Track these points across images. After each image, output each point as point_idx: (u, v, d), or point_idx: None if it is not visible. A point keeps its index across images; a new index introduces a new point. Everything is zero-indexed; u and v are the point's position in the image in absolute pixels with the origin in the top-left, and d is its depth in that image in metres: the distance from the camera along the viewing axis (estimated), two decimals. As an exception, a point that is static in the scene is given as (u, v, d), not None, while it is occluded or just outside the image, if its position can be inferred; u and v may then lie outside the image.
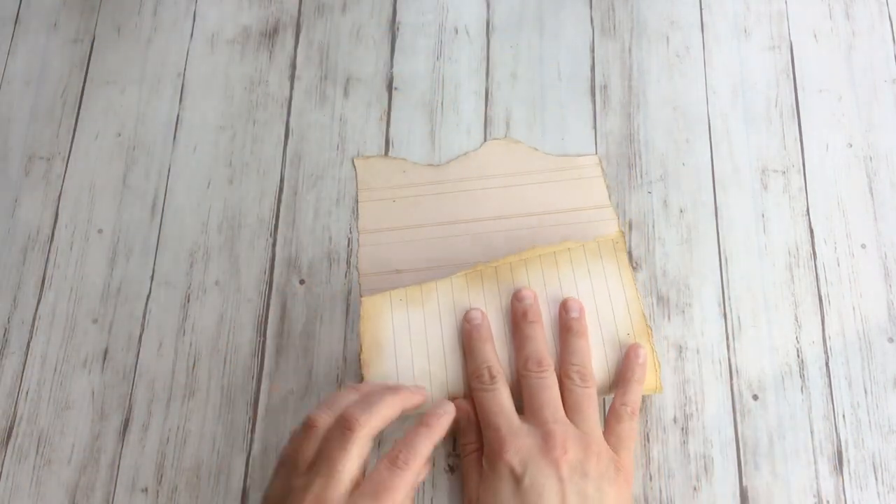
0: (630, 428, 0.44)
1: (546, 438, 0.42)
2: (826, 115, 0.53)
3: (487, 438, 0.43)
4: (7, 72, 0.57)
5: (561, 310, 0.47)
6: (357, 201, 0.52)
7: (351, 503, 0.37)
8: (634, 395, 0.44)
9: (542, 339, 0.46)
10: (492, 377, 0.44)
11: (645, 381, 0.45)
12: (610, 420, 0.44)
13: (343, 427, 0.39)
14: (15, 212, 0.53)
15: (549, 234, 0.50)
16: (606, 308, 0.47)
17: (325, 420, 0.40)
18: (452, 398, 0.45)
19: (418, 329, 0.47)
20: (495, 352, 0.46)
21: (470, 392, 0.45)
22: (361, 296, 0.49)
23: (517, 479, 0.41)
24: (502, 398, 0.44)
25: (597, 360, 0.46)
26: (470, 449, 0.44)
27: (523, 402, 0.44)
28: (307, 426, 0.40)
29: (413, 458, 0.39)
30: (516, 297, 0.47)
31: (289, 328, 0.49)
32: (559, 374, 0.45)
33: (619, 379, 0.45)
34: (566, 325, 0.46)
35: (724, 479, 0.45)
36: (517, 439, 0.42)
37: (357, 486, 0.38)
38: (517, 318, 0.46)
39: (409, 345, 0.46)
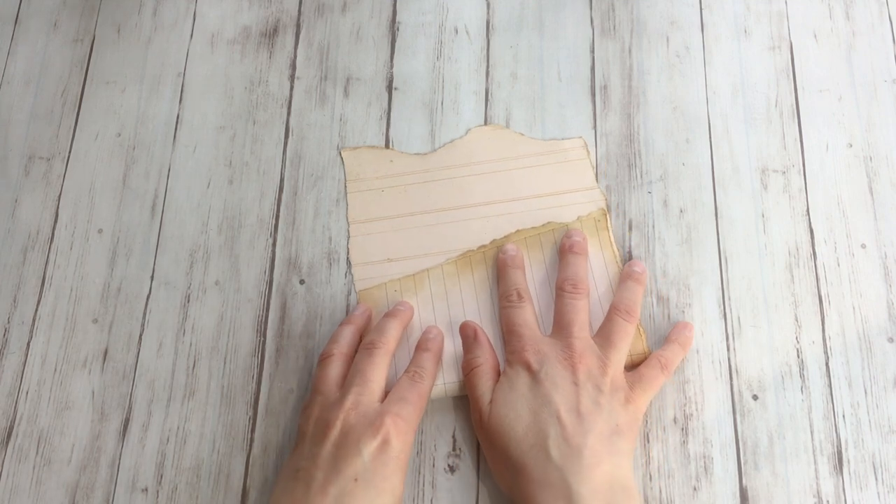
0: (655, 377, 0.45)
1: (565, 348, 0.44)
2: (826, 115, 0.53)
3: (510, 345, 0.45)
4: (7, 72, 0.57)
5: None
6: (346, 192, 0.52)
7: (385, 406, 0.42)
8: (672, 354, 0.46)
9: (523, 278, 0.48)
10: (520, 297, 0.47)
11: (641, 342, 0.47)
12: (641, 365, 0.46)
13: (368, 348, 0.45)
14: (15, 212, 0.53)
15: (537, 217, 0.51)
16: (590, 283, 0.48)
17: (338, 350, 0.45)
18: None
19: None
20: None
21: (500, 312, 0.48)
22: (355, 285, 0.50)
23: (533, 374, 0.43)
24: (528, 314, 0.47)
25: None
26: (475, 363, 0.45)
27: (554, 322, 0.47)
28: (324, 358, 0.45)
29: (425, 373, 0.45)
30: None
31: (289, 328, 0.49)
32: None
33: (666, 339, 0.47)
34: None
35: (724, 479, 0.45)
36: (538, 344, 0.45)
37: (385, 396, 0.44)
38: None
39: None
